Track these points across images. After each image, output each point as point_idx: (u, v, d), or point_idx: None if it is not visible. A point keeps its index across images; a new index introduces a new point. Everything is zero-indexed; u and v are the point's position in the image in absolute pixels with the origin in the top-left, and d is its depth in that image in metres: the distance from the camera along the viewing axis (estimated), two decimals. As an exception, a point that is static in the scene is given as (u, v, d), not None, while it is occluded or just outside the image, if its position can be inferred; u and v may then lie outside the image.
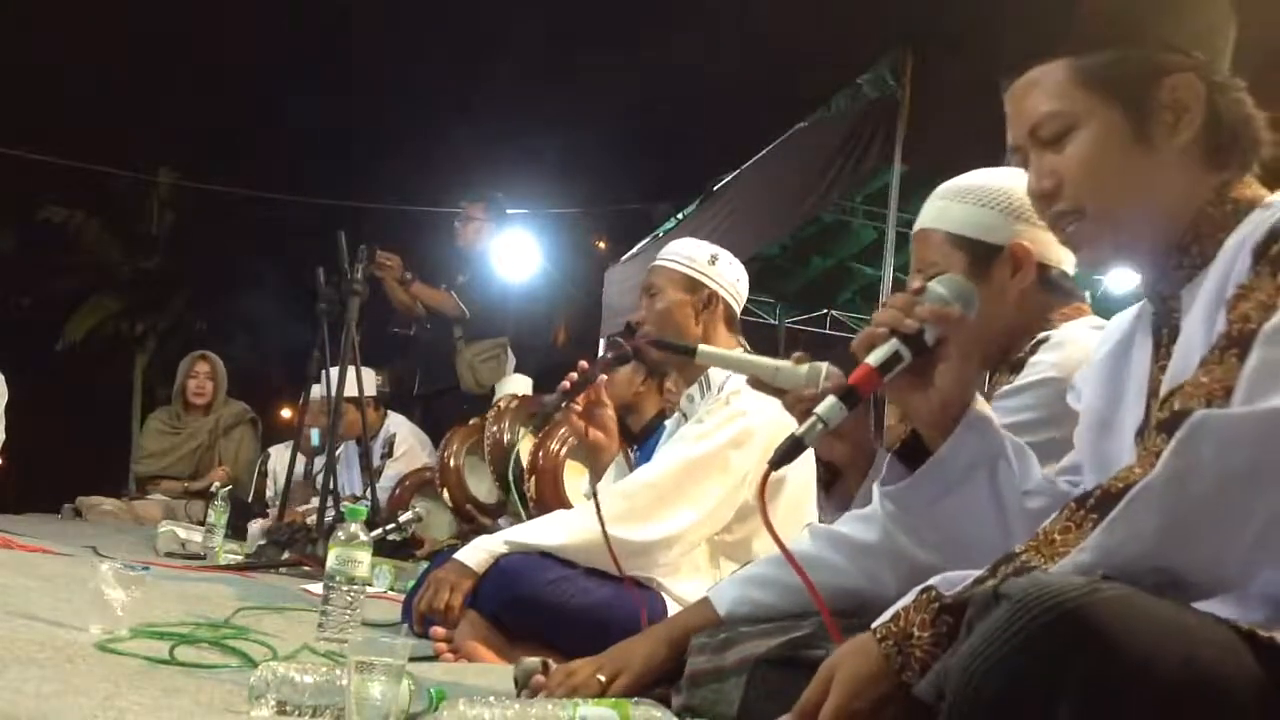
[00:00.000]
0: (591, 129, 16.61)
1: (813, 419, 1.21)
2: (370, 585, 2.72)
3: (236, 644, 1.86)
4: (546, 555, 2.26)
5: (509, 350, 5.61)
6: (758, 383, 1.63)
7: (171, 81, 16.23)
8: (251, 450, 5.98)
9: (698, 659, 1.48)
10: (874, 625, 1.07)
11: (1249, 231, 1.10)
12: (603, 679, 1.53)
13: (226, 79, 16.94)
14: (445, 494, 4.36)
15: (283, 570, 3.53)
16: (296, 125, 15.23)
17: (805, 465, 2.42)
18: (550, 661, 1.62)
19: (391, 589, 3.24)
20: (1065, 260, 1.68)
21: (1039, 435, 1.46)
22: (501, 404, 4.29)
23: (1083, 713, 0.80)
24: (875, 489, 1.41)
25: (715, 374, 2.44)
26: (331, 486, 3.94)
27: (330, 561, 2.13)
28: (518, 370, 5.48)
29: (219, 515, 3.94)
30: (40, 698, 1.33)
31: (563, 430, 3.41)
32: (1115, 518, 0.95)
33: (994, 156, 1.85)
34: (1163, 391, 1.14)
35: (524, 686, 1.59)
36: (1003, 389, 1.62)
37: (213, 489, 4.48)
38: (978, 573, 1.05)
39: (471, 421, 4.46)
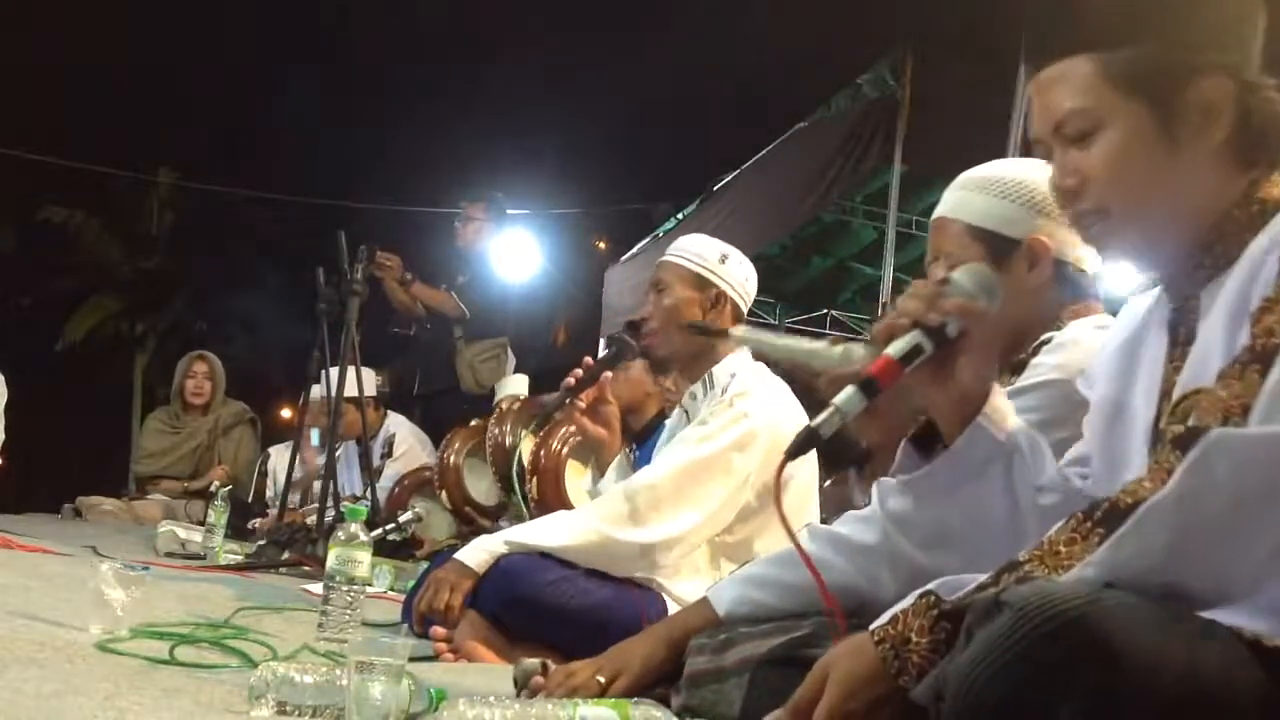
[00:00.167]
0: (591, 129, 16.60)
1: (830, 410, 1.19)
2: (370, 585, 2.71)
3: (236, 644, 1.86)
4: (547, 556, 2.25)
5: (509, 350, 5.61)
6: (793, 365, 1.61)
7: (171, 81, 16.22)
8: (251, 450, 5.98)
9: (697, 659, 1.48)
10: (872, 627, 1.06)
11: (1277, 233, 1.08)
12: (602, 680, 1.53)
13: (226, 79, 16.93)
14: (444, 495, 4.34)
15: (283, 570, 3.52)
16: (296, 125, 15.21)
17: (807, 466, 2.43)
18: (550, 662, 1.62)
19: (391, 589, 3.23)
20: (1083, 257, 1.67)
21: (1044, 437, 1.45)
22: (503, 406, 4.28)
23: None
24: (876, 487, 1.41)
25: (719, 373, 2.44)
26: (332, 489, 3.94)
27: (330, 561, 2.13)
28: (518, 370, 5.47)
29: (219, 515, 3.93)
30: (40, 698, 1.33)
31: (564, 429, 3.41)
32: (1124, 534, 0.94)
33: (994, 156, 1.85)
34: (1175, 394, 1.12)
35: (523, 687, 1.59)
36: (1004, 390, 1.61)
37: (212, 489, 4.48)
38: (978, 578, 1.04)
39: (473, 423, 4.44)
